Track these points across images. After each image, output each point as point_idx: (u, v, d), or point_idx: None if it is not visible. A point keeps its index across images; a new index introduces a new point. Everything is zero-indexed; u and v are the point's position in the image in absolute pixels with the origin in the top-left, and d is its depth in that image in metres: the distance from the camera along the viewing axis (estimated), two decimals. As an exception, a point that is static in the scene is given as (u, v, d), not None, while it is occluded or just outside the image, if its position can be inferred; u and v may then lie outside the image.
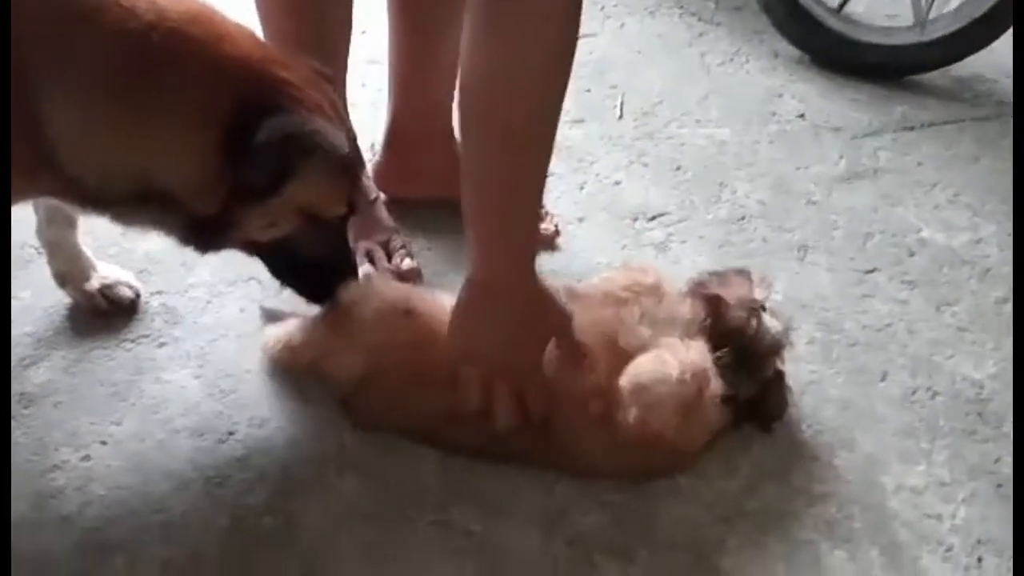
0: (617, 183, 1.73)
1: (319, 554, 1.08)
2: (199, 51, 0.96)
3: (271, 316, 1.32)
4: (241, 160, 0.97)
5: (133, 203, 1.01)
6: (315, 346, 1.22)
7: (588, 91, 1.98)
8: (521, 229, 1.13)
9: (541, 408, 1.15)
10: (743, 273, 1.27)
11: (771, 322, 1.22)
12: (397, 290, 1.26)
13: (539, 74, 1.03)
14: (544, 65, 1.03)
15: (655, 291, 1.21)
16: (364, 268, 1.42)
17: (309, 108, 1.02)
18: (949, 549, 1.16)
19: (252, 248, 1.14)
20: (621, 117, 1.92)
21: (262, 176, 1.00)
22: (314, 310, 1.25)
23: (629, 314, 1.17)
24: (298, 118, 1.00)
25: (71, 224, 1.28)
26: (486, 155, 1.08)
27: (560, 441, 1.16)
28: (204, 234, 1.05)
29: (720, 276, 1.27)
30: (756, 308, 1.21)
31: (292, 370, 1.26)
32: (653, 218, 1.66)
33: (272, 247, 1.12)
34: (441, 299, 1.22)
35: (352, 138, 1.14)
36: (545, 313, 1.16)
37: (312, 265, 1.16)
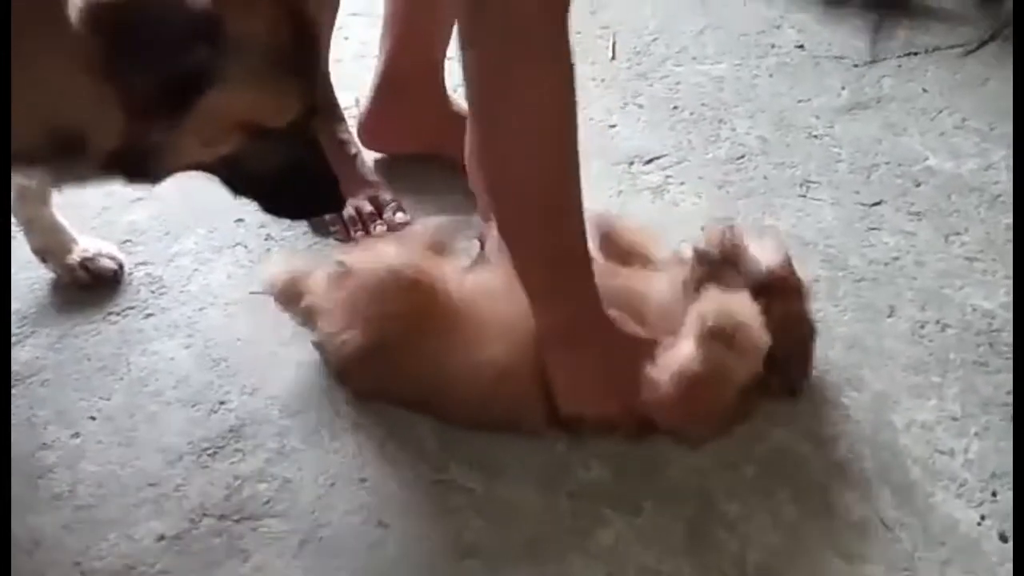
0: (611, 126, 1.67)
1: (317, 519, 1.06)
2: None
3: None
4: (121, 71, 0.75)
5: (60, 156, 0.86)
6: (315, 294, 1.17)
7: (579, 32, 1.89)
8: (570, 278, 1.11)
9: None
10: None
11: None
12: (403, 255, 1.17)
13: (537, 145, 1.07)
14: (541, 135, 1.07)
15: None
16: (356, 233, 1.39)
17: None
18: (963, 484, 1.13)
19: (203, 169, 0.95)
20: (614, 58, 1.85)
21: (152, 90, 0.76)
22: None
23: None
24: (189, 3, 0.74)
25: (44, 199, 1.24)
26: (510, 221, 1.09)
27: None
28: (130, 167, 0.87)
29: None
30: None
31: (286, 306, 1.22)
32: (649, 161, 1.61)
33: (223, 167, 0.95)
34: (449, 263, 1.20)
35: (303, 31, 0.90)
36: (626, 347, 1.13)
37: (276, 181, 0.98)
